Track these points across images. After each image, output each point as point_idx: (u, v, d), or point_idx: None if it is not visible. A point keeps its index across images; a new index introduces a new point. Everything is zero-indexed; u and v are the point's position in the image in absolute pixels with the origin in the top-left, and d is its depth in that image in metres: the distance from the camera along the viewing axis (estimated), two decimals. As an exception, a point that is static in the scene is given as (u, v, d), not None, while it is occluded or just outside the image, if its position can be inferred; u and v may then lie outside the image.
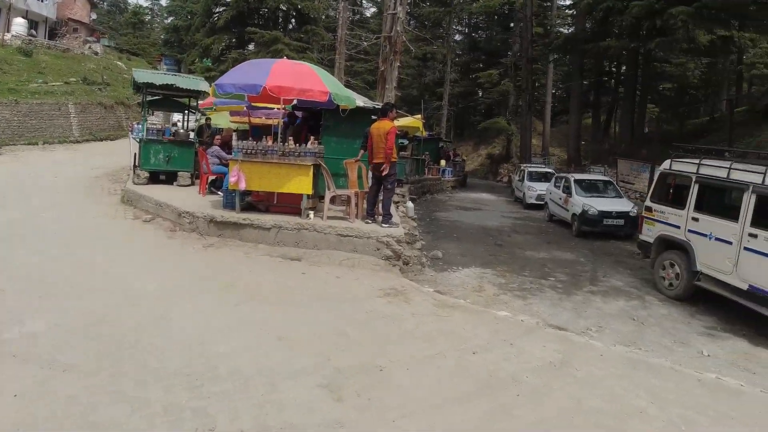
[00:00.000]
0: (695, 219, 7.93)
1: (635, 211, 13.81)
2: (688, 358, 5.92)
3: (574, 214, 14.19)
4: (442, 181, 25.19)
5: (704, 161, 8.00)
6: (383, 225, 7.99)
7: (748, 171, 7.26)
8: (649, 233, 8.94)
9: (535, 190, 19.74)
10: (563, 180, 15.98)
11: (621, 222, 13.50)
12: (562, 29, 40.69)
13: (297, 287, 6.29)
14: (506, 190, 27.52)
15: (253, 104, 11.09)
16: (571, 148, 28.49)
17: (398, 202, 12.32)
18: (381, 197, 8.36)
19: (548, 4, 41.86)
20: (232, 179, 8.24)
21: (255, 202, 8.82)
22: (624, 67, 29.61)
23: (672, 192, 8.60)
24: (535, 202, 19.42)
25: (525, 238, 13.11)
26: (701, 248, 7.78)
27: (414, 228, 10.79)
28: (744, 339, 6.71)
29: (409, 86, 49.26)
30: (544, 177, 21.22)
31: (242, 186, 8.16)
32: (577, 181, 15.23)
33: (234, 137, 10.33)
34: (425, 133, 26.59)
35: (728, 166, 7.51)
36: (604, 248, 12.42)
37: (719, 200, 8.45)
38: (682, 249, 8.15)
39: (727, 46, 20.51)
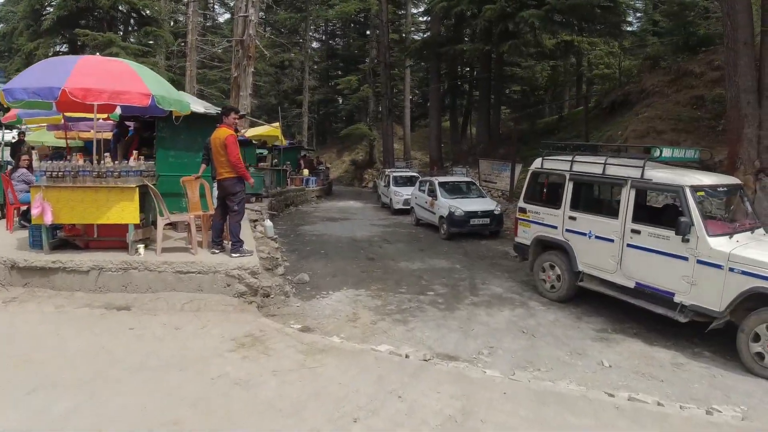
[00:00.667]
0: (572, 218, 7.57)
1: (499, 209, 13.84)
2: (591, 372, 5.37)
3: (441, 217, 13.86)
4: (306, 191, 24.00)
5: (577, 158, 7.66)
6: (233, 254, 6.62)
7: (625, 165, 6.99)
8: (525, 235, 8.49)
9: (402, 195, 19.37)
10: (428, 183, 15.66)
11: (487, 221, 13.49)
12: (416, 36, 41.61)
13: (121, 352, 4.74)
14: (372, 196, 27.06)
15: (67, 114, 9.14)
16: (432, 151, 28.72)
17: (256, 220, 10.91)
18: (228, 221, 6.96)
19: (402, 12, 42.67)
20: (34, 211, 6.42)
21: (70, 237, 7.00)
22: (477, 72, 30.57)
23: (546, 191, 8.20)
24: (402, 207, 19.07)
25: (397, 247, 12.36)
26: (581, 248, 7.42)
27: (275, 249, 9.46)
28: (637, 339, 6.39)
29: (267, 94, 47.66)
30: (409, 181, 21.06)
31: (48, 219, 6.36)
32: (441, 184, 14.99)
33: (35, 156, 8.29)
34: (285, 142, 25.30)
35: (603, 161, 7.20)
36: (476, 250, 12.05)
37: (596, 197, 8.23)
38: (562, 250, 7.77)
39: (568, 50, 21.78)
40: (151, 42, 33.45)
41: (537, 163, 8.33)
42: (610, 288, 7.10)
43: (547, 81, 26.38)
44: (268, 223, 10.10)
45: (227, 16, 50.31)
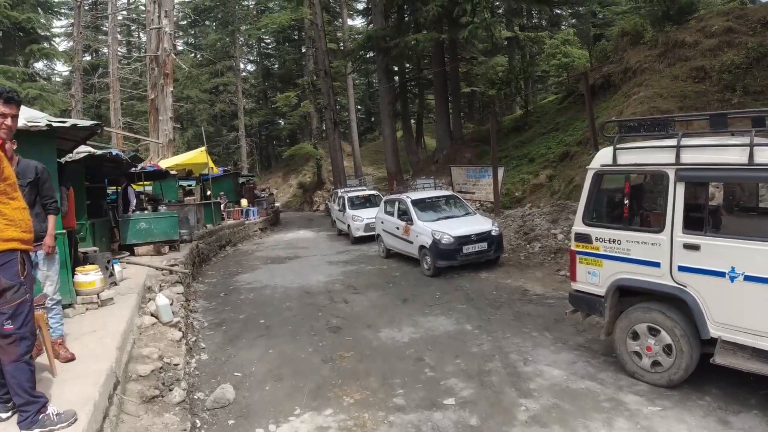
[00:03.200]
0: (692, 246, 4.23)
1: (497, 228, 10.51)
2: None
3: (422, 247, 10.47)
4: (247, 224, 20.18)
5: (687, 140, 4.34)
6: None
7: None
8: (592, 279, 5.09)
9: (362, 219, 15.95)
10: (396, 203, 12.25)
11: (484, 246, 10.18)
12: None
13: None
14: (325, 221, 23.72)
15: None
16: (389, 163, 25.22)
17: (150, 287, 7.06)
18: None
19: (338, 22, 40.43)
20: None
21: None
22: (428, 71, 27.74)
23: (629, 204, 4.82)
24: (363, 234, 15.71)
25: (369, 298, 8.81)
26: (715, 298, 4.11)
27: (176, 345, 5.66)
28: None
29: (200, 119, 43.76)
30: (368, 201, 17.84)
31: None
32: (415, 203, 11.59)
33: None
34: (217, 170, 21.49)
35: (748, 142, 3.89)
36: (481, 291, 8.68)
37: (739, 207, 4.93)
38: (673, 302, 4.43)
39: (512, 45, 19.59)
40: (38, 64, 28.88)
41: (604, 157, 4.91)
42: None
43: (508, 74, 23.66)
44: (162, 300, 6.18)
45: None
